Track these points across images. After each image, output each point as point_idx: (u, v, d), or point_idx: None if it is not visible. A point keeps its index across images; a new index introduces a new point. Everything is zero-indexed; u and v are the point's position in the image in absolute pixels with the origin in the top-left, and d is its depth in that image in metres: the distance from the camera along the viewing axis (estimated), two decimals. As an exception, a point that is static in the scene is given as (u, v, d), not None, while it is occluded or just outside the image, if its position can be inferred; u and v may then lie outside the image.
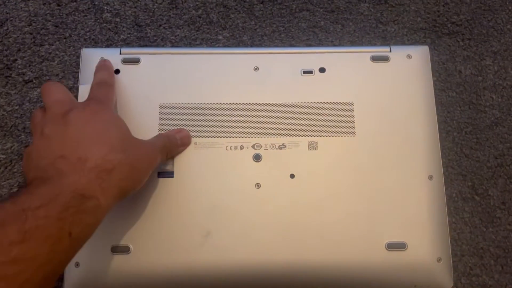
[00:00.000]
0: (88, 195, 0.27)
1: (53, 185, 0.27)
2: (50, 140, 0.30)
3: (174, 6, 0.46)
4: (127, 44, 0.45)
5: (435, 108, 0.41)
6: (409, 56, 0.42)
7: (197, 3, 0.46)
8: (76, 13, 0.46)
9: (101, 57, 0.41)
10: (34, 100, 0.43)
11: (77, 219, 0.27)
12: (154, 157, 0.34)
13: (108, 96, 0.37)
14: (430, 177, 0.39)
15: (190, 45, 0.45)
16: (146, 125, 0.40)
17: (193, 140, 0.40)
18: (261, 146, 0.40)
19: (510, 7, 0.46)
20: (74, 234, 0.26)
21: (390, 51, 0.42)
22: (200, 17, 0.45)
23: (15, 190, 0.41)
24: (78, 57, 0.44)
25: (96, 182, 0.28)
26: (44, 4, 0.46)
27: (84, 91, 0.41)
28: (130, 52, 0.42)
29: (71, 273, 0.37)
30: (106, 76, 0.39)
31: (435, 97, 0.42)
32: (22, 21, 0.45)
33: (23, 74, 0.44)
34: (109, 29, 0.45)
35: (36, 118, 0.33)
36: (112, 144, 0.30)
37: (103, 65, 0.40)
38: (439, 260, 0.38)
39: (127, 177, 0.31)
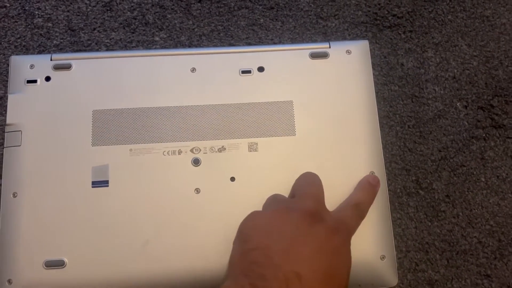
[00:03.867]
0: None
1: None
2: (284, 240, 0.27)
3: (108, 8, 0.44)
4: (60, 49, 0.43)
5: (375, 103, 0.40)
6: (348, 52, 0.41)
7: (132, 4, 0.44)
8: (6, 19, 0.44)
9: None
10: (-36, 112, 0.42)
11: None
12: None
13: (356, 227, 0.34)
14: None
15: (125, 47, 0.43)
16: (78, 134, 0.39)
17: (129, 146, 0.39)
18: (200, 150, 0.39)
19: (450, -2, 0.46)
20: None
21: (329, 47, 0.41)
22: (135, 19, 0.44)
23: None
24: (8, 65, 0.42)
25: None
26: (-28, 11, 0.44)
27: (14, 101, 0.39)
28: (61, 58, 0.40)
29: (3, 292, 0.36)
30: (368, 203, 0.36)
31: (377, 92, 0.41)
32: (-51, 29, 0.43)
33: (-49, 85, 0.42)
34: (41, 34, 0.43)
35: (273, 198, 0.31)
36: None
37: (373, 189, 0.36)
38: (382, 257, 0.37)
39: None
